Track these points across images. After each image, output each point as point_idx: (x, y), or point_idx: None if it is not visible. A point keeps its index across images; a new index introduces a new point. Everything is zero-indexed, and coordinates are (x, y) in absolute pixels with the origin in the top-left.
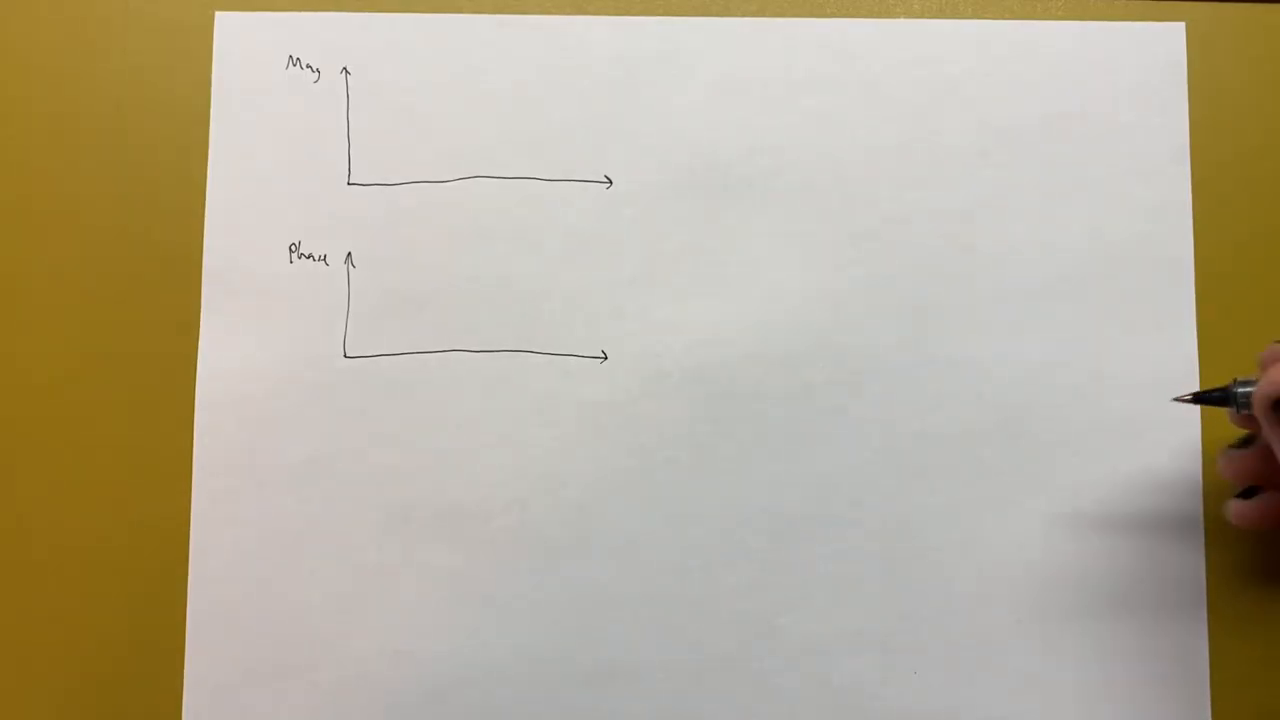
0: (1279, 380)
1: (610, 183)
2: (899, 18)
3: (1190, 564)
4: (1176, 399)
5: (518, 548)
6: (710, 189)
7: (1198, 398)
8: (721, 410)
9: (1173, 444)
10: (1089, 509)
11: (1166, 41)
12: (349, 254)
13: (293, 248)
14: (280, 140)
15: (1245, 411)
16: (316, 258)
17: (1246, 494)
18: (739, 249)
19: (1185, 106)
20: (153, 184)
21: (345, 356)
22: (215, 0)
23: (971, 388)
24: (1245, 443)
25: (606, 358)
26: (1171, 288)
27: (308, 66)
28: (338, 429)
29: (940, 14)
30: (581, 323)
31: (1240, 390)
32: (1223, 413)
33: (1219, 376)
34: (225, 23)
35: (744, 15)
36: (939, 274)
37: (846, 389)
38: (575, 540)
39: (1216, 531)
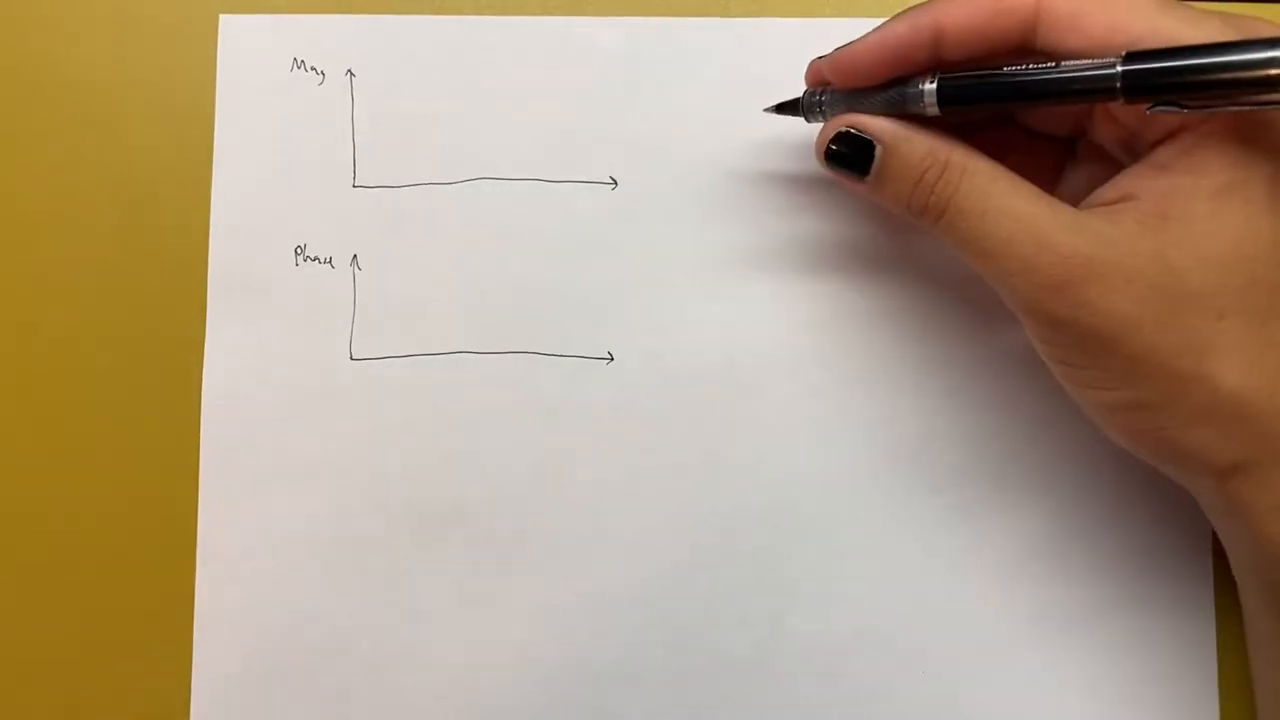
0: (827, 135)
1: (615, 184)
2: None
3: (1197, 559)
4: (765, 109)
5: (525, 549)
6: (715, 188)
7: (779, 108)
8: (728, 410)
9: None
10: (1095, 505)
11: None
12: (355, 256)
13: (298, 250)
14: (285, 143)
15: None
16: (322, 260)
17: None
18: (743, 247)
19: None
20: (157, 187)
21: (351, 359)
22: (219, 3)
23: (976, 386)
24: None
25: (613, 359)
26: None
27: (312, 69)
28: (344, 431)
29: None
30: (588, 324)
31: (810, 100)
32: None
33: None
34: (230, 25)
35: (746, 15)
36: (944, 272)
37: (852, 388)
38: (582, 541)
39: None
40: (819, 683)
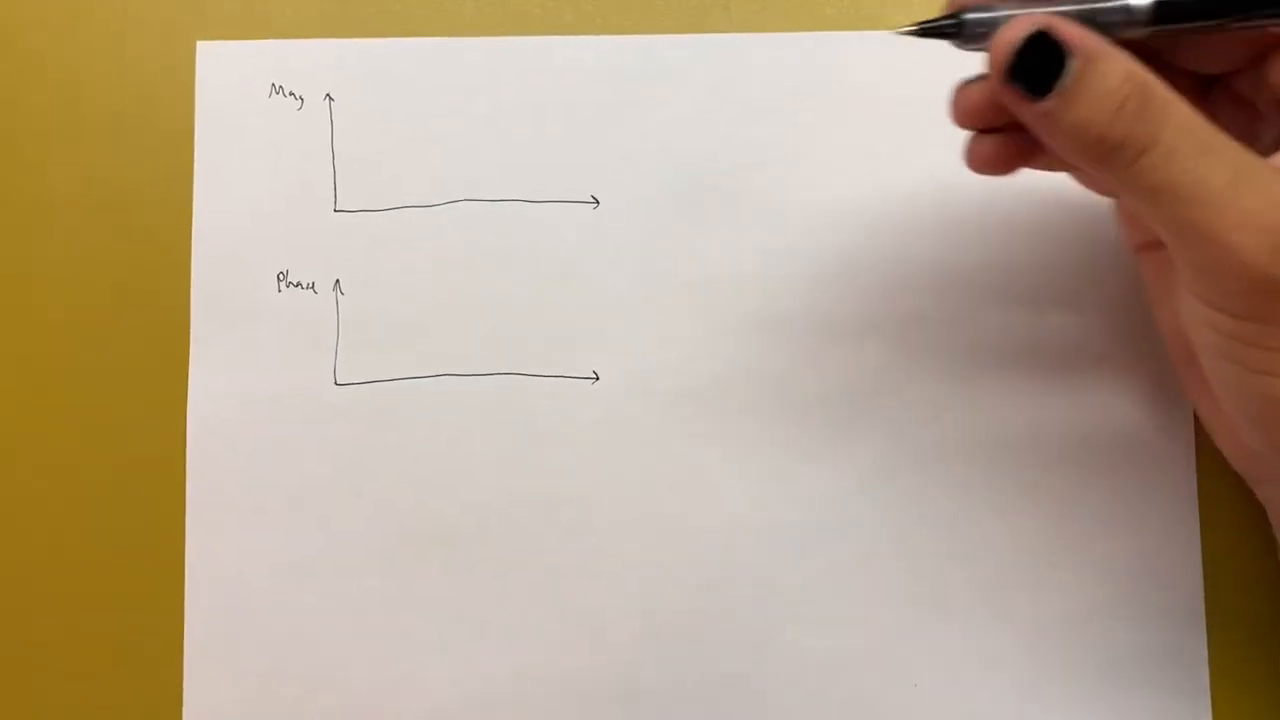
0: (1013, 37)
1: (597, 203)
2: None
3: (1188, 568)
4: (898, 31)
5: (514, 571)
6: (698, 205)
7: (923, 30)
8: (716, 427)
9: (1166, 449)
10: (1086, 517)
11: None
12: (337, 281)
13: (280, 276)
14: (265, 169)
15: (976, 48)
16: (305, 286)
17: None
18: (728, 265)
19: None
20: (138, 215)
21: (336, 384)
22: (197, 30)
23: (966, 399)
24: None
25: (598, 378)
26: None
27: (291, 94)
28: (331, 457)
29: None
30: (572, 343)
31: (971, 18)
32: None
33: None
34: (207, 52)
35: (728, 31)
36: (931, 285)
37: (840, 403)
38: (572, 562)
39: (1213, 535)
40: (811, 698)
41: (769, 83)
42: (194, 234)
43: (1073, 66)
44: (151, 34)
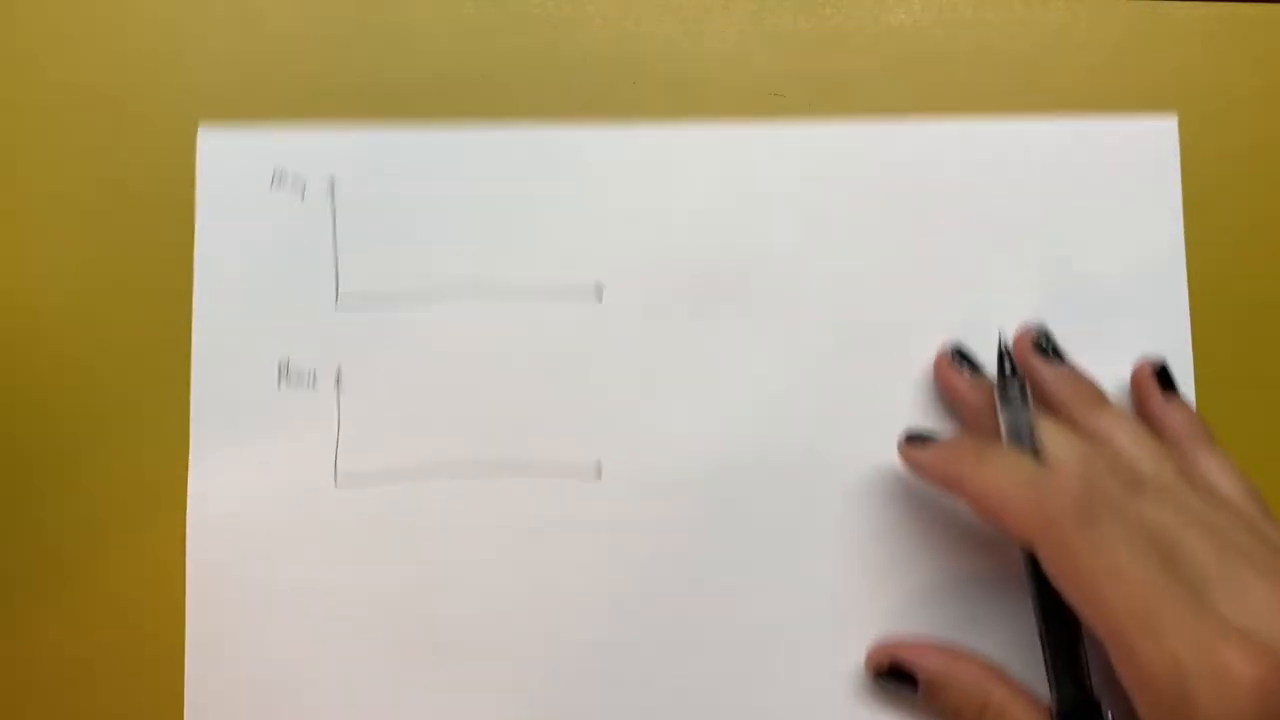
0: (875, 661)
1: (601, 294)
2: (887, 115)
3: None
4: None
5: (517, 673)
6: (702, 297)
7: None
8: (719, 523)
9: None
10: None
11: (1158, 135)
12: (338, 375)
13: (281, 368)
14: (266, 258)
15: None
16: (305, 379)
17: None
18: (733, 357)
19: (1179, 200)
20: (137, 303)
21: (336, 482)
22: (198, 115)
23: None
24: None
25: (601, 473)
26: None
27: (293, 182)
28: (331, 556)
29: (936, 109)
30: (575, 439)
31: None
32: None
33: None
34: (208, 138)
35: (730, 120)
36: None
37: (845, 498)
38: (576, 664)
39: None
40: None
41: (773, 172)
42: (194, 326)
43: (920, 687)
44: (152, 119)
